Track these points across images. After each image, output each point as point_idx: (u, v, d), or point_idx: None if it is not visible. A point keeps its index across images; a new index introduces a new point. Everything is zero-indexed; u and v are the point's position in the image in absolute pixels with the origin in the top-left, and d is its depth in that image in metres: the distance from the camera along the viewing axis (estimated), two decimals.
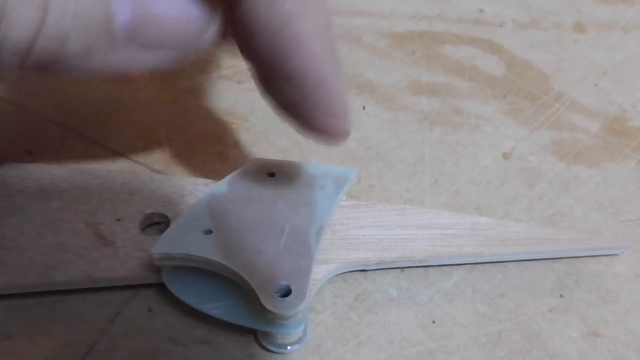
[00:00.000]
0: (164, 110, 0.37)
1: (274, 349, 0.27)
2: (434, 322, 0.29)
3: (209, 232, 0.27)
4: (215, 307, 0.26)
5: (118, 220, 0.29)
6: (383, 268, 0.30)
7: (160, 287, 0.28)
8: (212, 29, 0.22)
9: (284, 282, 0.25)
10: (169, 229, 0.27)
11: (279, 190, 0.29)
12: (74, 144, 0.35)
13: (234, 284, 0.26)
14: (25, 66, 0.19)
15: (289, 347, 0.27)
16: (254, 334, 0.27)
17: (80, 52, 0.19)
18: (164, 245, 0.26)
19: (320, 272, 0.28)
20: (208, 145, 0.35)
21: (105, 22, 0.19)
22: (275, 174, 0.30)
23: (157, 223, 0.30)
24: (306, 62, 0.22)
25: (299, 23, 0.21)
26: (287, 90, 0.23)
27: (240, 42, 0.22)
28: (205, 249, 0.26)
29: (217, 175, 0.33)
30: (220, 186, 0.29)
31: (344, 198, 0.31)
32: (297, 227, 0.28)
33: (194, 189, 0.31)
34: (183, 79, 0.39)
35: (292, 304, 0.25)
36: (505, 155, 0.37)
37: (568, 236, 0.31)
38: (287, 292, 0.25)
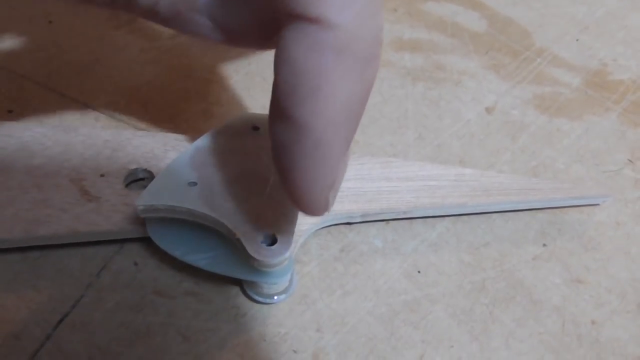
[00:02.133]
0: (146, 69, 0.37)
1: (261, 299, 0.27)
2: (419, 271, 0.29)
3: (193, 184, 0.27)
4: (201, 258, 0.26)
5: (102, 176, 0.29)
6: (368, 220, 0.30)
7: (145, 241, 0.28)
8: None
9: (269, 231, 0.25)
10: (153, 181, 0.27)
11: (262, 143, 0.29)
12: (55, 103, 0.34)
13: (219, 235, 0.26)
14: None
15: (275, 297, 0.27)
16: (240, 285, 0.28)
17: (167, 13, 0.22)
18: (148, 197, 0.26)
19: (305, 224, 0.28)
20: (191, 103, 0.35)
21: None
22: (259, 127, 0.30)
23: (142, 179, 0.30)
24: (316, 119, 0.19)
25: (329, 81, 0.19)
26: (284, 134, 0.21)
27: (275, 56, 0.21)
28: (190, 200, 0.26)
29: (200, 132, 0.33)
30: (203, 139, 0.29)
31: None
32: None
33: (178, 145, 0.31)
34: (165, 37, 0.39)
35: (278, 252, 0.25)
36: (488, 110, 0.37)
37: (551, 186, 0.31)
38: (272, 241, 0.25)
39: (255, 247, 0.25)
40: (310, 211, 0.22)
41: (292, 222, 0.26)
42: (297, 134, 0.20)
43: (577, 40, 0.42)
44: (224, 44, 0.24)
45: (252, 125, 0.30)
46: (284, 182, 0.21)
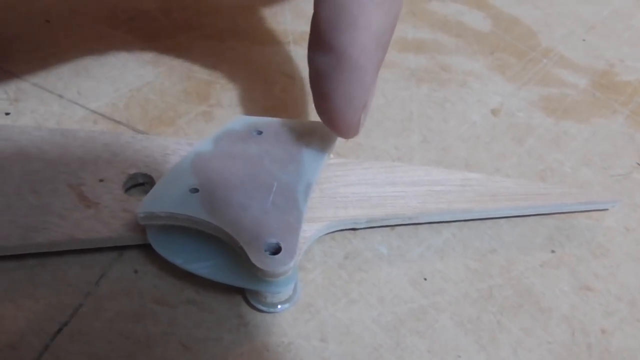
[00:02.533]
0: (146, 70, 0.36)
1: (264, 308, 0.26)
2: (425, 279, 0.28)
3: (194, 190, 0.26)
4: (203, 266, 0.26)
5: (101, 181, 0.28)
6: (373, 226, 0.30)
7: (145, 248, 0.27)
8: None
9: (273, 240, 0.25)
10: (154, 188, 0.26)
11: (265, 147, 0.28)
12: (53, 105, 0.34)
13: (221, 243, 0.26)
14: None
15: (279, 306, 0.26)
16: (242, 293, 0.27)
17: None
18: (148, 204, 0.25)
19: (309, 231, 0.28)
20: (191, 105, 0.35)
21: None
22: (261, 131, 0.29)
23: (141, 184, 0.29)
24: (354, 47, 0.23)
25: (364, 13, 0.23)
26: (325, 62, 0.24)
27: None
28: (191, 207, 0.25)
29: (201, 135, 0.32)
30: (204, 144, 0.28)
31: (331, 156, 0.30)
32: (284, 184, 0.27)
33: (178, 149, 0.30)
34: (164, 38, 0.38)
35: (282, 262, 0.24)
36: (494, 112, 0.36)
37: (559, 191, 0.31)
38: (276, 250, 0.24)
39: (259, 256, 0.24)
40: (346, 131, 0.26)
41: (296, 229, 0.25)
42: (337, 60, 0.23)
43: (583, 40, 0.42)
44: None
45: (254, 129, 0.29)
46: (322, 107, 0.26)
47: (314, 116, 0.34)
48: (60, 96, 0.34)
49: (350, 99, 0.24)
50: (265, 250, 0.24)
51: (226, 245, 0.26)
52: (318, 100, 0.25)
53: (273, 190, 0.26)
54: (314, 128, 0.30)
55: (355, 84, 0.24)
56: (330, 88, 0.24)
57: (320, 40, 0.23)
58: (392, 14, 0.23)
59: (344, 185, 0.29)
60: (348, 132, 0.26)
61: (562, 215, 0.32)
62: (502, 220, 0.31)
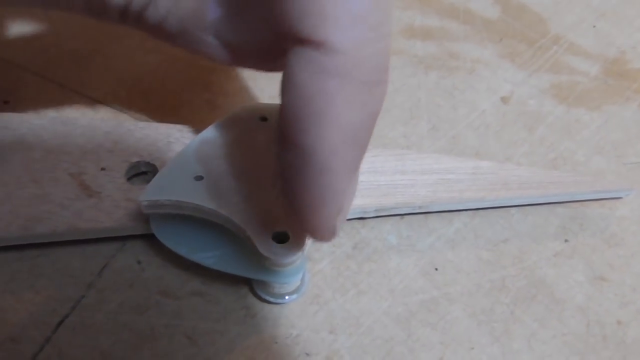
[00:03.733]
0: (148, 58, 0.35)
1: (272, 299, 0.26)
2: (436, 269, 0.28)
3: (199, 178, 0.25)
4: (208, 256, 0.25)
5: (102, 169, 0.28)
6: (382, 215, 0.29)
7: (149, 239, 0.27)
8: None
9: (281, 229, 0.24)
10: (157, 176, 0.25)
11: (271, 134, 0.28)
12: (53, 94, 0.33)
13: (227, 232, 0.25)
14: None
15: (286, 297, 0.26)
16: (249, 284, 0.26)
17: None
18: (152, 192, 0.25)
19: None
20: (195, 94, 0.34)
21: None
22: (267, 118, 0.28)
23: (144, 173, 0.29)
24: (321, 145, 0.19)
25: (333, 106, 0.19)
26: (292, 160, 0.20)
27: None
28: (196, 195, 0.24)
29: (205, 124, 0.32)
30: (209, 131, 0.27)
31: None
32: None
33: (182, 137, 0.29)
34: None
35: (290, 251, 0.23)
36: (504, 99, 0.35)
37: (572, 179, 0.30)
38: (284, 238, 0.24)
39: (267, 246, 0.23)
40: (318, 236, 0.22)
41: None
42: (303, 159, 0.20)
43: (594, 27, 0.41)
44: (229, 64, 0.25)
45: (260, 116, 0.28)
46: (292, 207, 0.21)
47: None
48: (61, 85, 0.33)
49: (321, 203, 0.21)
50: (273, 239, 0.24)
51: (232, 234, 0.25)
52: (288, 199, 0.21)
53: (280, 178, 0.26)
54: None
55: (325, 187, 0.20)
56: (299, 189, 0.20)
57: (286, 135, 0.20)
58: (368, 108, 0.20)
59: None
60: (322, 236, 0.22)
61: (574, 204, 0.31)
62: (514, 209, 0.30)
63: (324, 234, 0.22)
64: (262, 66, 0.25)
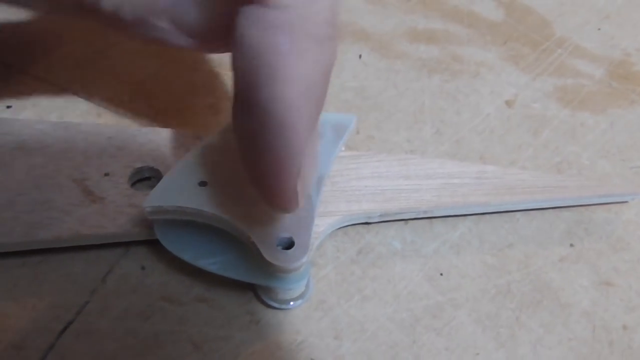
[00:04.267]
0: (150, 62, 0.35)
1: (276, 305, 0.25)
2: (441, 274, 0.28)
3: (203, 183, 0.25)
4: (212, 262, 0.25)
5: (106, 175, 0.27)
6: (386, 220, 0.29)
7: (153, 244, 0.26)
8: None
9: (286, 234, 0.24)
10: (161, 182, 0.25)
11: None
12: (55, 98, 0.33)
13: (231, 238, 0.25)
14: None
15: (291, 303, 0.26)
16: (253, 290, 0.26)
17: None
18: (156, 197, 0.24)
19: (321, 225, 0.27)
20: (198, 98, 0.34)
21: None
22: None
23: (148, 178, 0.29)
24: (276, 103, 0.19)
25: (285, 62, 0.19)
26: (247, 124, 0.20)
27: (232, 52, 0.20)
28: (200, 201, 0.24)
29: (208, 128, 0.32)
30: (212, 137, 0.27)
31: (343, 149, 0.29)
32: None
33: (185, 142, 0.29)
34: None
35: (295, 257, 0.23)
36: (508, 103, 0.35)
37: (577, 183, 0.30)
38: (289, 245, 0.24)
39: (271, 252, 0.23)
40: (281, 204, 0.22)
41: (309, 224, 0.24)
42: (259, 120, 0.20)
43: (598, 29, 0.41)
44: (193, 50, 0.24)
45: None
46: (250, 175, 0.21)
47: (325, 108, 0.33)
48: (63, 89, 0.33)
49: (280, 165, 0.20)
50: (278, 245, 0.24)
51: (236, 240, 0.25)
52: (246, 168, 0.22)
53: None
54: (326, 119, 0.29)
55: (283, 147, 0.20)
56: (256, 154, 0.20)
57: (239, 98, 0.20)
58: (320, 63, 0.20)
59: (356, 178, 0.29)
60: (284, 204, 0.22)
61: (580, 208, 0.31)
62: (519, 214, 0.30)
63: (285, 201, 0.21)
64: (226, 47, 0.23)
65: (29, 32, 0.36)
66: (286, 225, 0.24)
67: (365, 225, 0.29)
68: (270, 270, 0.24)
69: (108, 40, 0.36)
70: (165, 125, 0.32)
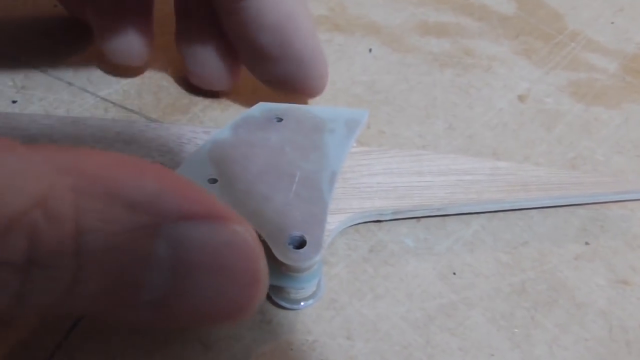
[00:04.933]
0: (158, 56, 0.35)
1: (287, 305, 0.25)
2: (454, 273, 0.27)
3: (213, 180, 0.25)
4: None
5: None
6: (399, 218, 0.28)
7: None
8: None
9: (298, 233, 0.23)
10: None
11: (286, 135, 0.27)
12: (62, 93, 0.32)
13: None
14: None
15: (302, 303, 0.25)
16: None
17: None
18: None
19: (333, 223, 0.26)
20: (207, 92, 0.33)
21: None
22: (281, 118, 0.28)
23: None
24: (305, 44, 0.29)
25: (297, 15, 0.28)
26: (284, 69, 0.30)
27: (245, 42, 0.30)
28: None
29: (218, 124, 0.31)
30: (222, 132, 0.27)
31: (354, 144, 0.29)
32: (308, 173, 0.26)
33: (194, 137, 0.29)
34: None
35: (307, 256, 0.23)
36: (521, 98, 0.35)
37: (592, 180, 0.29)
38: (301, 243, 0.23)
39: (283, 250, 0.23)
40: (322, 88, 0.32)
41: (321, 222, 0.24)
42: (297, 62, 0.30)
43: (612, 23, 0.40)
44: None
45: (276, 116, 0.28)
46: (303, 92, 0.32)
47: (335, 102, 0.33)
48: (70, 83, 0.33)
49: (321, 72, 0.31)
50: (289, 244, 0.23)
51: None
52: (296, 92, 0.32)
53: (296, 180, 0.25)
54: (338, 114, 0.28)
55: (319, 61, 0.30)
56: (305, 80, 0.31)
57: (278, 58, 0.30)
58: None
59: (368, 174, 0.28)
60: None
61: (594, 205, 0.30)
62: (533, 211, 0.29)
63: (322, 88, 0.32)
64: None
65: (35, 24, 0.36)
66: (298, 223, 0.24)
67: (377, 223, 0.28)
68: (282, 270, 0.23)
69: None
70: (173, 120, 0.31)
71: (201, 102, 0.32)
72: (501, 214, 0.29)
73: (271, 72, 0.31)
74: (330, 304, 0.26)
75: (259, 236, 0.23)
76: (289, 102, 0.29)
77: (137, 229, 0.15)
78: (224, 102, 0.33)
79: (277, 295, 0.25)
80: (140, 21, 0.31)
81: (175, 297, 0.16)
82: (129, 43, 0.31)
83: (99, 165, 0.16)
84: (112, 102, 0.32)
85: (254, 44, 0.29)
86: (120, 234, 0.15)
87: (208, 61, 0.31)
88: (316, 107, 0.29)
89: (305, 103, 0.32)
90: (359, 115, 0.29)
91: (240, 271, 0.17)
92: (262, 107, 0.28)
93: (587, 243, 0.29)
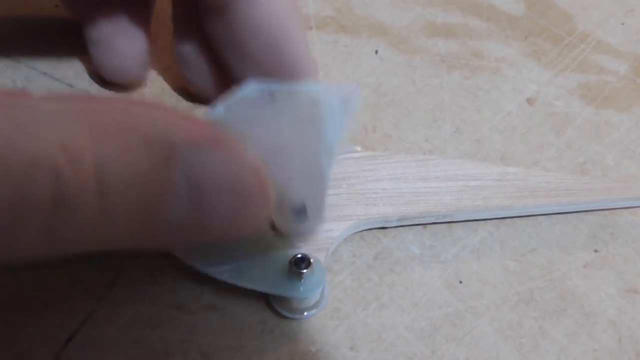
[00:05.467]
0: (160, 57, 0.34)
1: (289, 314, 0.25)
2: (460, 281, 0.27)
3: None
4: (223, 270, 0.24)
5: None
6: (404, 225, 0.28)
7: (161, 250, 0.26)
8: None
9: (299, 204, 0.23)
10: None
11: (279, 111, 0.26)
12: None
13: (243, 244, 0.24)
14: None
15: (305, 313, 0.25)
16: (266, 298, 0.25)
17: None
18: None
19: (337, 230, 0.26)
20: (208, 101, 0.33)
21: None
22: (275, 95, 0.27)
23: None
24: (293, 47, 0.28)
25: (286, 15, 0.27)
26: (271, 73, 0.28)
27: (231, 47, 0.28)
28: None
29: None
30: (216, 112, 0.26)
31: (359, 149, 0.29)
32: (304, 146, 0.25)
33: None
34: None
35: (309, 225, 0.23)
36: (530, 101, 0.34)
37: (602, 185, 0.29)
38: (302, 214, 0.23)
39: (285, 221, 0.23)
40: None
41: (321, 192, 0.23)
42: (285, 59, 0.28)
43: (622, 24, 0.39)
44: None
45: (269, 94, 0.27)
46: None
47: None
48: (71, 85, 0.32)
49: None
50: (292, 215, 0.23)
51: (248, 246, 0.24)
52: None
53: (294, 158, 0.25)
54: (329, 89, 0.28)
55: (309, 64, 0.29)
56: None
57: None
58: None
59: (373, 180, 0.28)
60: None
61: (604, 211, 0.29)
62: (542, 217, 0.29)
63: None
64: None
65: (36, 25, 0.35)
66: (299, 196, 0.23)
67: (382, 229, 0.28)
68: (290, 242, 0.23)
69: None
70: None
71: (204, 107, 0.32)
72: (509, 220, 0.29)
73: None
74: (334, 313, 0.25)
75: None
76: None
77: (155, 162, 0.17)
78: None
79: (279, 305, 0.25)
80: (135, 38, 0.31)
81: (195, 218, 0.18)
82: (123, 61, 0.31)
83: (112, 108, 0.17)
84: None
85: (240, 48, 0.29)
86: (139, 169, 0.17)
87: (204, 72, 0.31)
88: (309, 84, 0.28)
89: None
90: (351, 90, 0.28)
91: (249, 188, 0.19)
92: (254, 87, 0.28)
93: (596, 250, 0.28)
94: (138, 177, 0.17)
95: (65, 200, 0.15)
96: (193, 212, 0.18)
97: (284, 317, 0.25)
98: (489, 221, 0.28)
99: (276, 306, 0.25)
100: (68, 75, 0.33)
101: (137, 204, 0.17)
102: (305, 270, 0.23)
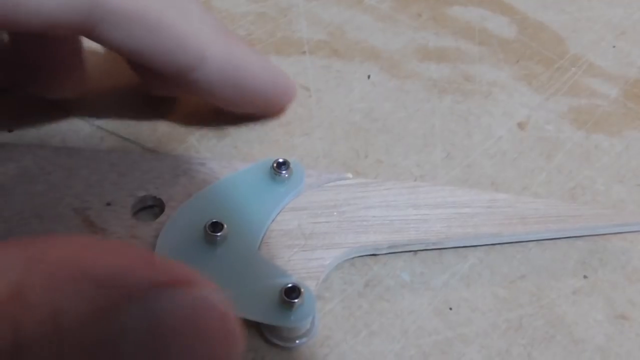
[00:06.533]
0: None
1: (280, 343, 0.25)
2: (450, 308, 0.27)
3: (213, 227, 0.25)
4: None
5: (108, 204, 0.27)
6: (395, 252, 0.28)
7: None
8: None
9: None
10: (164, 230, 0.25)
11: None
12: (58, 121, 0.32)
13: (234, 274, 0.24)
14: None
15: (297, 341, 0.25)
16: (257, 326, 0.25)
17: None
18: (161, 248, 0.24)
19: (327, 259, 0.26)
20: (204, 121, 0.33)
21: None
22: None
23: (150, 207, 0.28)
24: (260, 82, 0.30)
25: (244, 64, 0.29)
26: (247, 107, 0.32)
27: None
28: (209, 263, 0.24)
29: (214, 153, 0.31)
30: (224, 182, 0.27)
31: (350, 175, 0.29)
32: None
33: (189, 169, 0.28)
34: None
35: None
36: (521, 125, 0.34)
37: (592, 212, 0.29)
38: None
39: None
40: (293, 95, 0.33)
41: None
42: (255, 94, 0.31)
43: (613, 47, 0.40)
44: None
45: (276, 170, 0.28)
46: (274, 109, 0.33)
47: (332, 131, 0.33)
48: (66, 111, 0.33)
49: (285, 86, 0.32)
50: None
51: (238, 275, 0.24)
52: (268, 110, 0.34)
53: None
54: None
55: (282, 81, 0.32)
56: (272, 99, 0.32)
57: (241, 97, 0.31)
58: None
59: (364, 208, 0.28)
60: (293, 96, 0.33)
61: (594, 237, 0.30)
62: (531, 244, 0.29)
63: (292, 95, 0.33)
64: None
65: (33, 53, 0.35)
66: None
67: (373, 256, 0.28)
68: (276, 307, 0.23)
69: (112, 60, 0.35)
70: (169, 149, 0.31)
71: (197, 131, 0.32)
72: (499, 246, 0.29)
73: (239, 111, 0.32)
74: (324, 341, 0.25)
75: None
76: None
77: (108, 304, 0.16)
78: (220, 132, 0.32)
79: (270, 333, 0.25)
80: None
81: None
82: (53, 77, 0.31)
83: (66, 250, 0.17)
84: (108, 131, 0.32)
85: (214, 101, 0.31)
86: (93, 311, 0.16)
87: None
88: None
89: None
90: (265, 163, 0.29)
91: (212, 331, 0.17)
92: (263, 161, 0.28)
93: (585, 276, 0.28)
94: (92, 318, 0.16)
95: (24, 341, 0.15)
96: (149, 357, 0.17)
97: (275, 345, 0.25)
98: (478, 247, 0.29)
99: (267, 334, 0.25)
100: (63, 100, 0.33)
101: (92, 345, 0.16)
102: (296, 300, 0.24)
